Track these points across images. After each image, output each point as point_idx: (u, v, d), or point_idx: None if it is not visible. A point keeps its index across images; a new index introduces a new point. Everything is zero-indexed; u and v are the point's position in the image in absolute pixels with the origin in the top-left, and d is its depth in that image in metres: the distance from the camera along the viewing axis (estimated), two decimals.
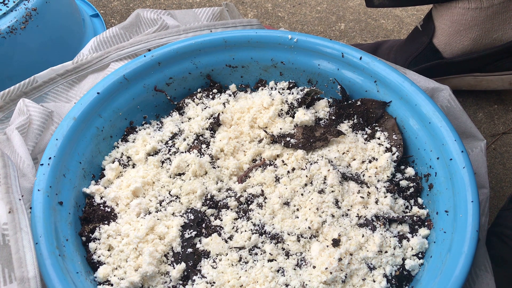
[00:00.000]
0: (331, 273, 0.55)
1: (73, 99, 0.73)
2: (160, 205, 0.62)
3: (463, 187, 0.58)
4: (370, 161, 0.66)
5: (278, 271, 0.57)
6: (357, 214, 0.61)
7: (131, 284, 0.55)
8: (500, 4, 0.81)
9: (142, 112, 0.72)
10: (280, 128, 0.68)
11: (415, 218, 0.62)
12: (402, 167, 0.66)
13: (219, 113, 0.70)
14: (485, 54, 0.87)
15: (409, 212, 0.63)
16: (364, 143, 0.68)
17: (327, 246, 0.58)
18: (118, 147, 0.69)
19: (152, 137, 0.69)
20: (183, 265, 0.57)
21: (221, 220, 0.61)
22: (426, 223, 0.62)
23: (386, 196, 0.62)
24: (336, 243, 0.58)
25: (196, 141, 0.68)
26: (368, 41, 1.12)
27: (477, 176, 0.65)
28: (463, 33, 0.84)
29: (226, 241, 0.59)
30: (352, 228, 0.59)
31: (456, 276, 0.52)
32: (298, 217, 0.61)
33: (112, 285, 0.56)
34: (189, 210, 0.61)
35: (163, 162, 0.66)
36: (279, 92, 0.73)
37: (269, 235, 0.59)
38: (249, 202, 0.62)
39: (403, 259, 0.59)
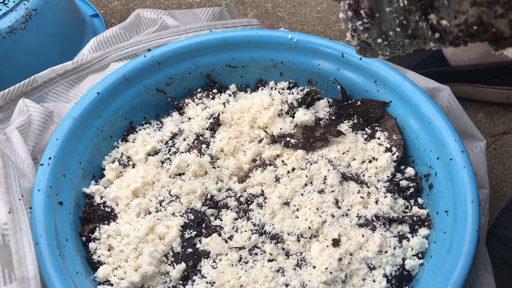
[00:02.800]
0: (331, 273, 0.55)
1: (73, 99, 0.73)
2: (160, 205, 0.62)
3: (463, 187, 0.58)
4: (370, 161, 0.66)
5: (278, 271, 0.57)
6: (357, 214, 0.61)
7: (131, 284, 0.55)
8: None
9: (142, 112, 0.72)
10: (280, 128, 0.68)
11: (415, 218, 0.61)
12: (402, 167, 0.66)
13: (219, 113, 0.70)
14: (489, 67, 0.88)
15: (409, 212, 0.63)
16: (364, 143, 0.68)
17: (327, 246, 0.58)
18: (118, 147, 0.69)
19: (152, 137, 0.69)
20: (183, 265, 0.57)
21: (221, 220, 0.61)
22: (426, 223, 0.62)
23: (386, 196, 0.62)
24: (336, 243, 0.58)
25: (196, 141, 0.68)
26: None
27: (477, 176, 0.65)
28: (472, 47, 0.86)
29: (226, 241, 0.59)
30: (352, 228, 0.59)
31: (456, 276, 0.52)
32: (298, 217, 0.61)
33: (112, 285, 0.56)
34: (189, 210, 0.61)
35: (163, 162, 0.66)
36: (279, 92, 0.73)
37: (269, 235, 0.59)
38: (249, 202, 0.62)
39: (403, 259, 0.59)
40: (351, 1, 0.38)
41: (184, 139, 0.68)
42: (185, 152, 0.67)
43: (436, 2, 0.34)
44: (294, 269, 0.57)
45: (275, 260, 0.58)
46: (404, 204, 0.63)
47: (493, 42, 0.34)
